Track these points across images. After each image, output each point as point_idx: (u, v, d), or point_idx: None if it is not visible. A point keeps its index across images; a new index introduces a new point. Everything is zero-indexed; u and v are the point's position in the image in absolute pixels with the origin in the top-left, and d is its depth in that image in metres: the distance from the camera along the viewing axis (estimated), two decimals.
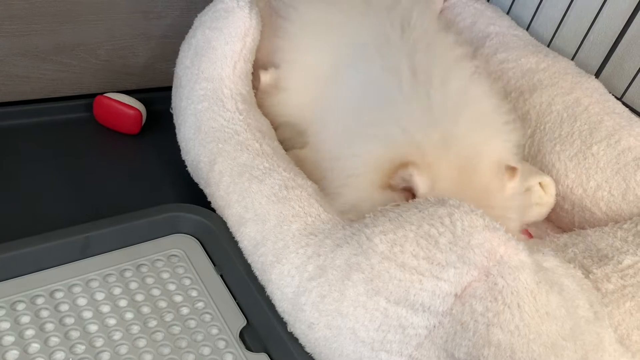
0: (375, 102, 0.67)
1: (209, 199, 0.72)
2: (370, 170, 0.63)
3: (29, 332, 0.57)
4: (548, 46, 0.99)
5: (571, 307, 0.52)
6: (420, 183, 0.58)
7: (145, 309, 0.62)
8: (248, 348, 0.60)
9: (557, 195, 0.83)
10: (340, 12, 0.77)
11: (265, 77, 0.82)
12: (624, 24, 0.89)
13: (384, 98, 0.66)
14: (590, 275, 0.61)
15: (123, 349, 0.57)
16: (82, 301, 0.61)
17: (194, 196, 0.74)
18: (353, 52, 0.73)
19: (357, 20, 0.75)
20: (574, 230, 0.75)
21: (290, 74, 0.80)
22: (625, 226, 0.73)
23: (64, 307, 0.60)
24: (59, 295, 0.61)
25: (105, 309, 0.61)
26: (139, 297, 0.63)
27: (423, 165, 0.59)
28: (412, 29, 0.71)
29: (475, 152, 0.61)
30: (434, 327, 0.50)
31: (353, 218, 0.61)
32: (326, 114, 0.74)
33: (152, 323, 0.60)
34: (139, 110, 0.89)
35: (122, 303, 0.62)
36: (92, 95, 0.90)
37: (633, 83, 0.89)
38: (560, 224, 0.85)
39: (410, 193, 0.60)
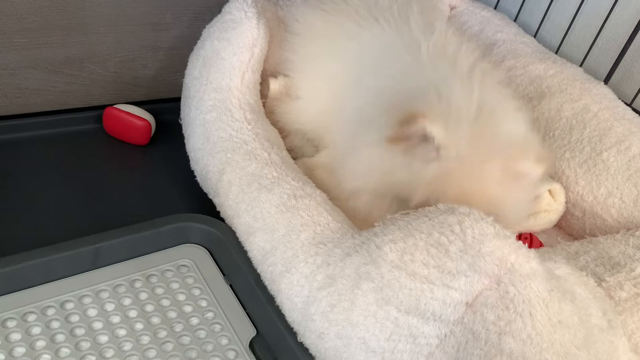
0: (395, 81, 0.68)
1: (218, 209, 0.72)
2: (381, 116, 0.63)
3: (40, 344, 0.57)
4: (556, 53, 0.98)
5: (584, 316, 0.52)
6: (436, 130, 0.58)
7: (155, 320, 0.62)
8: (258, 358, 0.60)
9: (567, 202, 0.82)
10: (350, 21, 0.78)
11: (274, 85, 0.83)
12: (632, 29, 0.89)
13: (403, 76, 0.68)
14: (602, 283, 0.60)
15: None
16: (92, 312, 0.61)
17: (203, 206, 0.74)
18: (376, 56, 0.74)
19: (370, 28, 0.76)
20: (585, 237, 0.74)
21: (304, 84, 0.81)
22: (637, 233, 0.72)
23: (75, 318, 0.60)
24: (69, 306, 0.61)
25: (116, 319, 0.61)
26: (149, 308, 0.63)
27: (435, 115, 0.59)
28: (437, 34, 0.72)
29: (490, 113, 0.63)
30: (445, 336, 0.50)
31: (359, 188, 0.63)
32: (344, 114, 0.75)
33: (162, 334, 0.60)
34: (148, 121, 0.89)
35: (132, 314, 0.62)
36: (102, 107, 0.91)
37: None
38: (571, 232, 0.84)
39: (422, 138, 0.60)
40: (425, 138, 0.59)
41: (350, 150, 0.68)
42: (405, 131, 0.60)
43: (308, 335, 0.57)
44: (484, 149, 0.61)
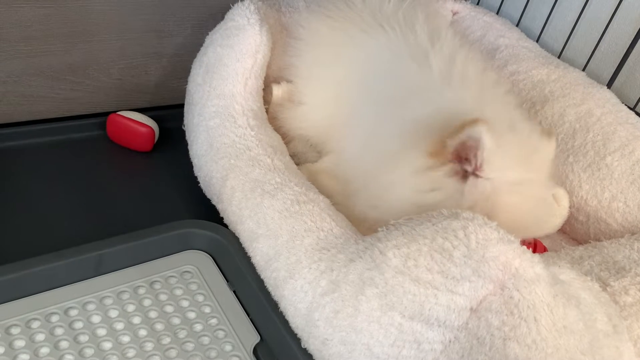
0: (413, 93, 0.68)
1: (221, 215, 0.72)
2: (417, 139, 0.63)
3: (44, 350, 0.57)
4: (558, 57, 0.98)
5: (589, 321, 0.52)
6: (489, 140, 0.58)
7: (159, 326, 0.62)
8: None
9: (571, 207, 0.82)
10: (355, 27, 0.78)
11: (277, 91, 0.83)
12: (635, 33, 0.89)
13: (424, 90, 0.68)
14: (607, 288, 0.60)
15: None
16: (96, 318, 0.61)
17: (207, 212, 0.74)
18: (382, 64, 0.74)
19: (375, 35, 0.76)
20: (590, 242, 0.74)
21: (307, 89, 0.81)
22: None
23: (78, 325, 0.60)
24: (73, 312, 0.61)
25: (119, 326, 0.61)
26: (153, 314, 0.63)
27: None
28: (443, 41, 0.72)
29: (514, 122, 0.64)
30: (450, 342, 0.50)
31: (386, 203, 0.63)
32: (350, 122, 0.75)
33: (166, 340, 0.60)
34: (151, 128, 0.89)
35: (136, 320, 0.62)
36: (105, 114, 0.91)
37: None
38: (575, 236, 0.84)
39: (458, 162, 0.60)
40: (472, 151, 0.59)
41: (383, 184, 0.67)
42: (459, 137, 0.59)
43: (312, 341, 0.57)
44: (527, 163, 0.61)
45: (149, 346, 0.59)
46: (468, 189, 0.60)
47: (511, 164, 0.60)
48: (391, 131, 0.68)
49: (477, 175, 0.60)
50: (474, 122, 0.58)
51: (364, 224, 0.66)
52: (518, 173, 0.61)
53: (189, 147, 0.80)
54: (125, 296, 0.64)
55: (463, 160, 0.60)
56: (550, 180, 0.67)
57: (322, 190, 0.68)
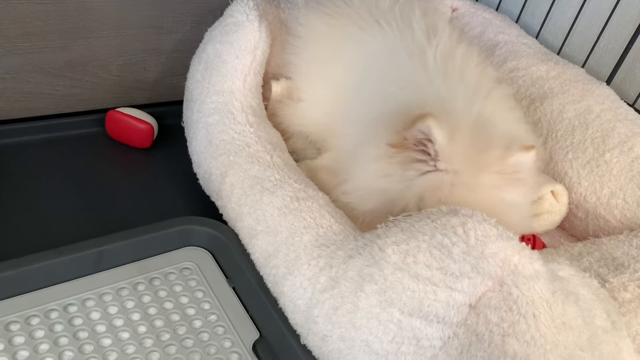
0: (404, 88, 0.69)
1: (220, 212, 0.72)
2: (388, 127, 0.64)
3: (43, 347, 0.57)
4: (558, 54, 0.98)
5: (588, 317, 0.52)
6: (440, 134, 0.58)
7: (158, 322, 0.62)
8: None
9: (570, 203, 0.82)
10: (353, 24, 0.78)
11: (276, 88, 0.83)
12: (634, 30, 0.89)
13: (413, 85, 0.68)
14: (606, 285, 0.60)
15: None
16: (95, 315, 0.61)
17: (206, 209, 0.74)
18: (379, 60, 0.75)
19: (373, 32, 0.76)
20: (589, 238, 0.74)
21: (306, 86, 0.81)
22: None
23: (78, 321, 0.60)
24: (72, 309, 0.61)
25: (119, 322, 0.61)
26: (152, 311, 0.63)
27: (440, 118, 0.59)
28: (439, 37, 0.72)
29: (489, 123, 0.63)
30: (449, 338, 0.50)
31: (351, 186, 0.65)
32: (348, 118, 0.75)
33: (165, 336, 0.60)
34: (150, 125, 0.89)
35: (135, 316, 0.62)
36: (104, 110, 0.91)
37: None
38: (574, 233, 0.84)
39: (421, 152, 0.60)
40: (425, 144, 0.59)
41: (353, 168, 0.67)
42: (411, 131, 0.59)
43: (311, 337, 0.57)
44: (480, 160, 0.61)
45: (148, 342, 0.59)
46: (416, 179, 0.60)
47: (463, 159, 0.60)
48: (374, 121, 0.68)
49: (432, 167, 0.60)
50: (423, 117, 0.58)
51: (364, 222, 0.66)
52: (469, 170, 0.60)
53: (188, 144, 0.80)
54: (125, 293, 0.64)
55: (422, 152, 0.61)
56: (534, 185, 0.67)
57: (321, 187, 0.68)
